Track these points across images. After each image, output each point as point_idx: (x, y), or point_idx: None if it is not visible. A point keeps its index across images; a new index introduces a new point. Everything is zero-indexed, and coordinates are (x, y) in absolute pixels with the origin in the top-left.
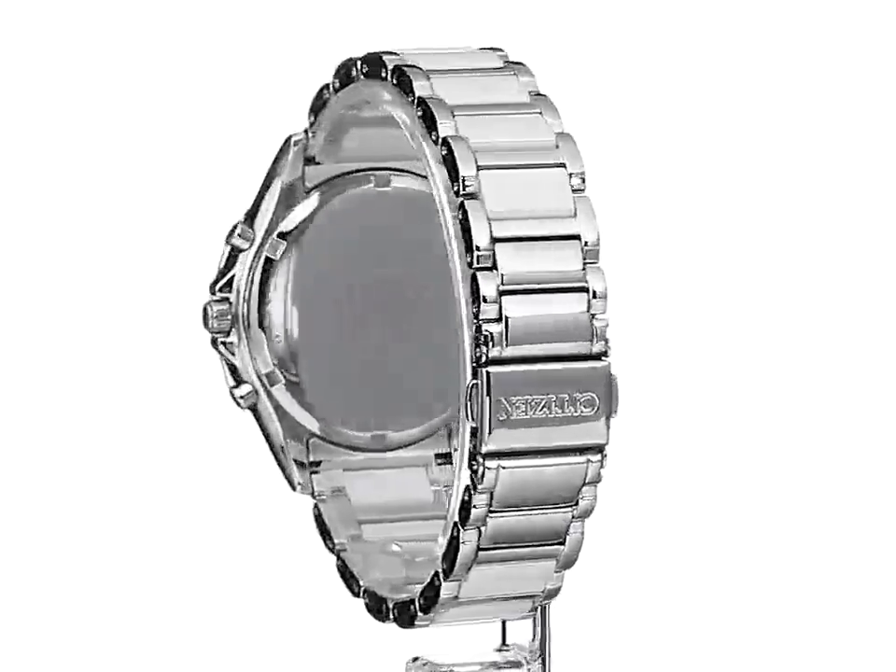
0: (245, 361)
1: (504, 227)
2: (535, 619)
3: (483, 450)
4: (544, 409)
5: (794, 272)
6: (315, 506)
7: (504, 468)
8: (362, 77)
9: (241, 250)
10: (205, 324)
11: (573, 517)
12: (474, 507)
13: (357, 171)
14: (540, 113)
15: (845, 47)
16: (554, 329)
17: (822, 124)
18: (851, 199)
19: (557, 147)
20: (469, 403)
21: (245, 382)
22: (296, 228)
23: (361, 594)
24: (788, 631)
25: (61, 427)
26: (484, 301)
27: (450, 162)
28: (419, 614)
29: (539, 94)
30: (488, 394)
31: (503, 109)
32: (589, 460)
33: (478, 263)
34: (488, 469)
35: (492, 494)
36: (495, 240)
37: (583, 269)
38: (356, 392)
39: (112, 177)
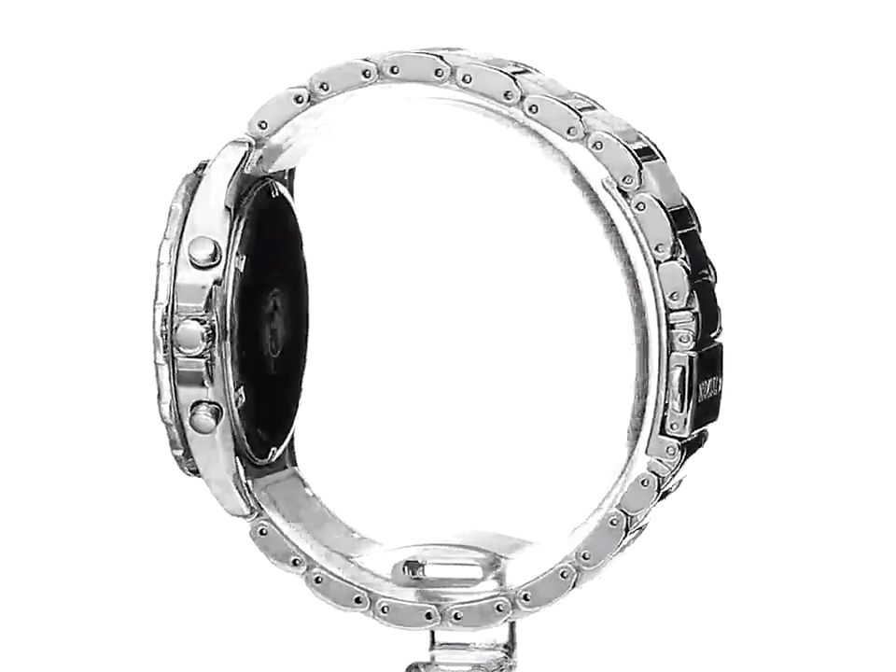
0: (220, 380)
1: (677, 217)
2: None
3: (685, 434)
4: (709, 391)
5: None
6: (261, 531)
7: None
8: (390, 77)
9: (207, 267)
10: (193, 344)
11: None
12: (658, 493)
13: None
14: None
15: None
16: (713, 313)
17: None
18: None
19: (640, 138)
20: (675, 392)
21: (208, 402)
22: (245, 238)
23: (378, 608)
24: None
25: None
26: (682, 290)
27: (612, 157)
28: (513, 611)
29: (580, 93)
30: (692, 380)
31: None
32: (703, 437)
33: (671, 254)
34: (682, 455)
35: (662, 479)
36: (675, 231)
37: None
38: (266, 407)
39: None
